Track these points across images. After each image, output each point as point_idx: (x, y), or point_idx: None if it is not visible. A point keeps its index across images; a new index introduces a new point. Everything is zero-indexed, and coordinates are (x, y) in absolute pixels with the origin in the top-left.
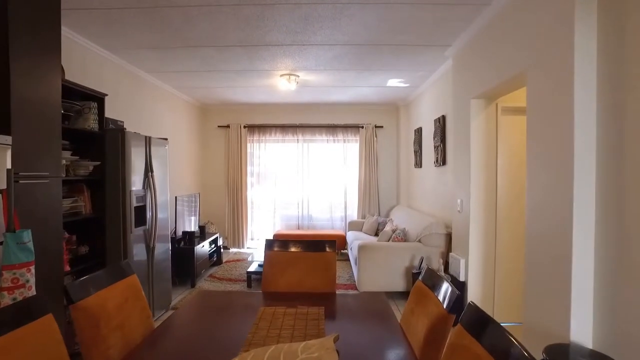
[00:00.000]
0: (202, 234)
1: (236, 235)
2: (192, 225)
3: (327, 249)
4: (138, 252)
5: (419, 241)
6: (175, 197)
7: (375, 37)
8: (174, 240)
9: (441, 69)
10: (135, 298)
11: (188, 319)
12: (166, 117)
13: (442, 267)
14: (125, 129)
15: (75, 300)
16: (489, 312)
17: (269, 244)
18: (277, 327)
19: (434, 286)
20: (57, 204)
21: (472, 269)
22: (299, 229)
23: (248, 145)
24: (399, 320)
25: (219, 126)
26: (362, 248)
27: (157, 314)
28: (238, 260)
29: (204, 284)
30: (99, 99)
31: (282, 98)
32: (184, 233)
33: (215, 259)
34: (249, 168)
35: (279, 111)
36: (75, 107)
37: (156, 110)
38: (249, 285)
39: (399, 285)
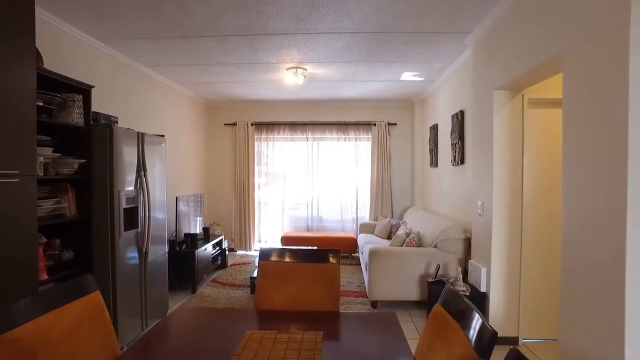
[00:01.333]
0: (206, 236)
1: (243, 237)
2: (196, 227)
3: (331, 259)
4: (129, 256)
5: (435, 246)
6: (176, 198)
7: (387, 23)
8: (175, 243)
9: (460, 59)
10: (96, 321)
11: (156, 348)
12: (169, 114)
13: (460, 276)
14: (115, 124)
15: (1, 332)
16: (514, 327)
17: (264, 253)
18: (263, 359)
19: (460, 315)
20: (31, 206)
21: (494, 279)
22: (308, 230)
23: (255, 143)
24: (413, 351)
25: (225, 124)
26: (373, 253)
27: (150, 323)
28: (244, 263)
29: (206, 289)
30: (84, 91)
31: (290, 94)
32: (187, 235)
33: (219, 262)
34: (256, 167)
35: (288, 108)
36: (56, 100)
37: (158, 107)
38: (253, 291)
39: (413, 294)
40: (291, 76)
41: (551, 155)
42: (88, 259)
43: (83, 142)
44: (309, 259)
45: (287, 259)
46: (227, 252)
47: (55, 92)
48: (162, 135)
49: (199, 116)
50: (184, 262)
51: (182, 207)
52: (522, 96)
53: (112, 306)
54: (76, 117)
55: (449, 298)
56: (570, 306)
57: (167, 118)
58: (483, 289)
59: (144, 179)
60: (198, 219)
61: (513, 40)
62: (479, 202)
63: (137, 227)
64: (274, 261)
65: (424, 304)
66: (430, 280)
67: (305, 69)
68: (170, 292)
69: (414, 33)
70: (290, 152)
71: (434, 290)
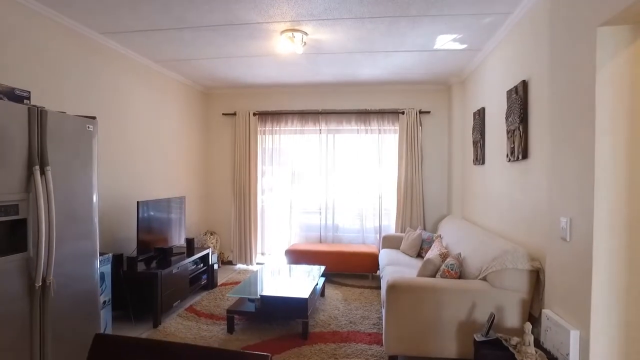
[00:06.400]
0: (190, 249)
1: (243, 248)
2: (179, 239)
3: None
4: (5, 296)
5: (484, 279)
6: (138, 203)
7: None
8: (135, 261)
9: (522, 6)
10: None
11: None
12: (146, 101)
13: (530, 337)
14: (26, 100)
15: None
16: None
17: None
18: None
19: None
20: None
21: (598, 351)
22: (321, 242)
23: (259, 137)
24: None
25: (224, 114)
26: (391, 289)
27: None
28: (239, 282)
29: (174, 322)
30: None
31: (298, 77)
32: (158, 251)
33: (204, 281)
34: (259, 165)
35: (297, 94)
36: None
37: (131, 93)
38: (230, 330)
39: (450, 349)
40: (287, 42)
41: None
42: None
43: None
44: None
45: None
46: (215, 268)
47: None
48: (94, 117)
49: (192, 105)
50: (144, 287)
51: (153, 213)
52: None
53: None
54: None
55: None
56: None
57: (141, 106)
58: None
59: (43, 177)
60: (181, 228)
61: None
62: (564, 220)
63: (25, 249)
64: None
65: None
66: (478, 337)
67: (306, 33)
68: (125, 325)
69: None
70: (300, 147)
71: (486, 357)
